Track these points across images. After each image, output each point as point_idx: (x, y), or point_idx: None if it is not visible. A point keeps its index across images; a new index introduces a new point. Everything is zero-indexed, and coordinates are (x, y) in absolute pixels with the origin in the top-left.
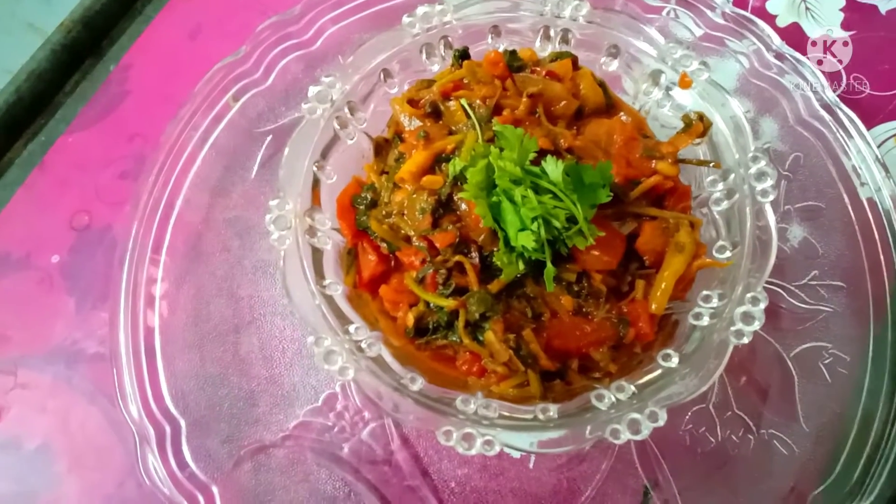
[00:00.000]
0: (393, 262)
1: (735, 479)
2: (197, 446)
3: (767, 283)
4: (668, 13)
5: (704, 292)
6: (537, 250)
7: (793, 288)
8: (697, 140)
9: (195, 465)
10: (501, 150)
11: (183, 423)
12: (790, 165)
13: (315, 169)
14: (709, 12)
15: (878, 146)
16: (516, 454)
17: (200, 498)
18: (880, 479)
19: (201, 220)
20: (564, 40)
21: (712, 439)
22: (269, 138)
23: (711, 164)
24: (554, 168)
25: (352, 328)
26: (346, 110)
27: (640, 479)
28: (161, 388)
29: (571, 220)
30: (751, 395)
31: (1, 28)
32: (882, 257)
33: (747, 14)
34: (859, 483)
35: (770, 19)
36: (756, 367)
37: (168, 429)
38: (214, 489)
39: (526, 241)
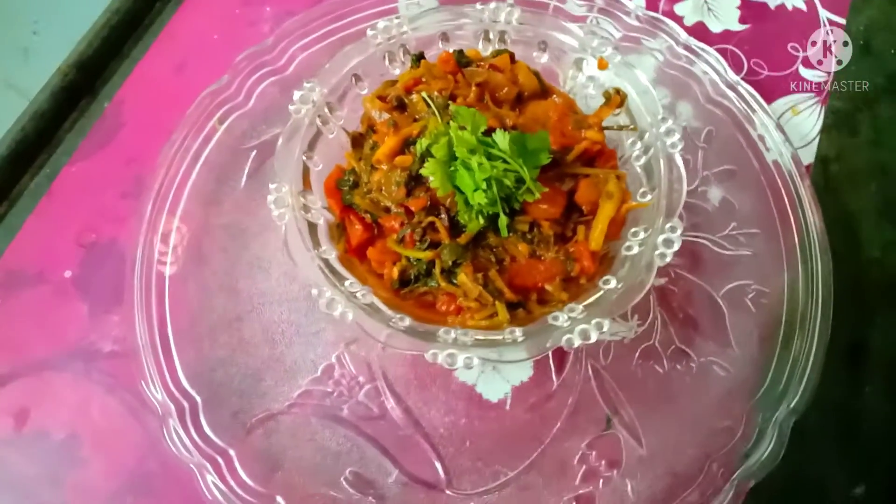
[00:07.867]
0: (376, 230)
1: (682, 400)
2: (213, 418)
3: (695, 236)
4: (590, 21)
5: (633, 229)
6: (491, 204)
7: (716, 238)
8: (617, 110)
9: (213, 434)
10: (462, 127)
11: (199, 399)
12: (704, 138)
13: (304, 158)
14: (625, 17)
15: (779, 117)
16: (494, 398)
17: (220, 460)
18: (801, 385)
19: (199, 227)
20: (502, 40)
21: (660, 370)
22: (253, 153)
23: (630, 128)
24: (502, 139)
25: (346, 283)
26: (326, 109)
27: (602, 409)
28: (177, 372)
29: (520, 181)
30: (689, 330)
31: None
32: (788, 207)
33: (658, 16)
34: (785, 390)
35: (678, 20)
36: (692, 307)
37: (186, 405)
38: (231, 452)
39: (480, 198)
